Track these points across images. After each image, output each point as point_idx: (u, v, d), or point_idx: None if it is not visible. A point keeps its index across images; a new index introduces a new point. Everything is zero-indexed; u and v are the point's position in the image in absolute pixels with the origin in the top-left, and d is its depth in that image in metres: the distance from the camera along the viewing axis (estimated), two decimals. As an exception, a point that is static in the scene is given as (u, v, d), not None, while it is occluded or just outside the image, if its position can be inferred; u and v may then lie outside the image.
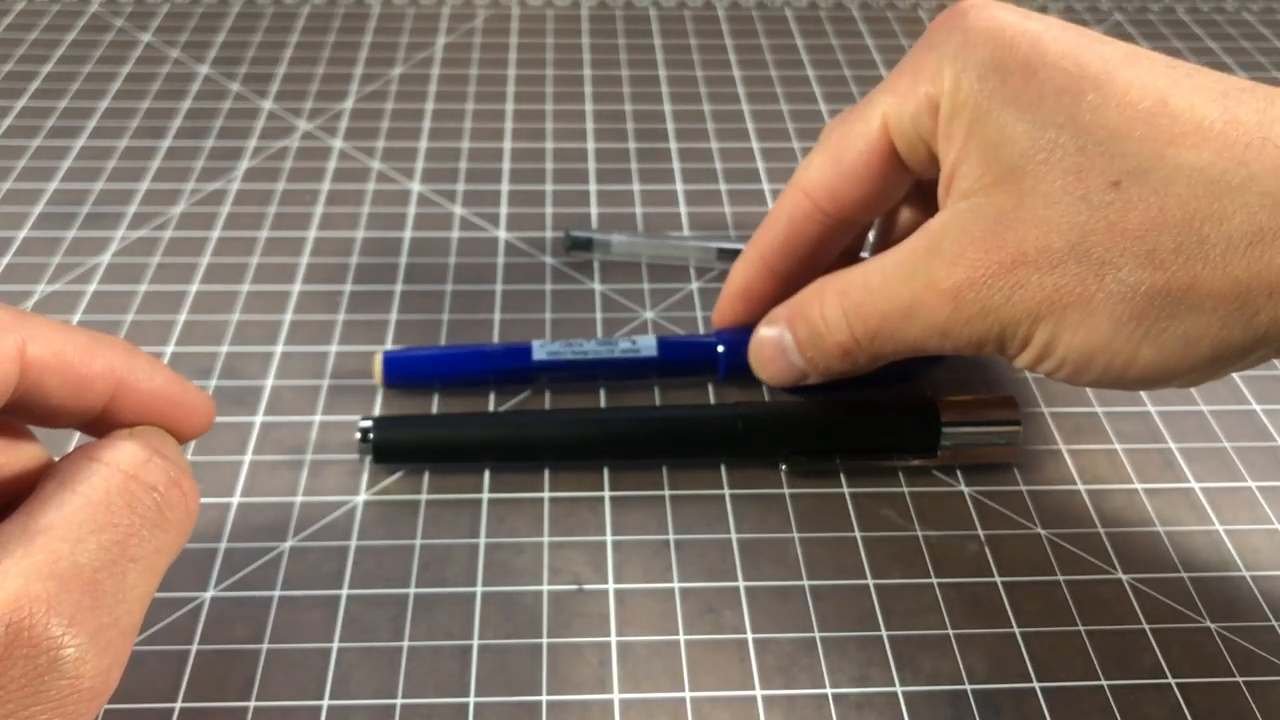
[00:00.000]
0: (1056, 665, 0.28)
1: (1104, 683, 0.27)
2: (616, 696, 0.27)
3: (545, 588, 0.29)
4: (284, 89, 0.51)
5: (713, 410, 0.34)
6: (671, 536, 0.31)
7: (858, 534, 0.31)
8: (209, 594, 0.29)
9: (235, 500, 0.31)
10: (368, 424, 0.32)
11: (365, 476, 0.32)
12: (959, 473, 0.33)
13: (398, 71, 0.52)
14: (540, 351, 0.35)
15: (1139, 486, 0.33)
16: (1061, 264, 0.26)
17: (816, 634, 0.28)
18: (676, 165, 0.46)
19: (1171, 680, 0.27)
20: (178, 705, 0.26)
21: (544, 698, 0.27)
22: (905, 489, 0.32)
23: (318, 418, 0.34)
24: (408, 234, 0.42)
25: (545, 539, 0.31)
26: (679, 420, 0.33)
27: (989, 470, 0.33)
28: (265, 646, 0.28)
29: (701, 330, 0.38)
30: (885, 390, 0.35)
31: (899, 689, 0.27)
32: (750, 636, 0.28)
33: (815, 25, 0.58)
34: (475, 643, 0.28)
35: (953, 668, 0.28)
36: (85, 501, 0.21)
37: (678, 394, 0.35)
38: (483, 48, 0.55)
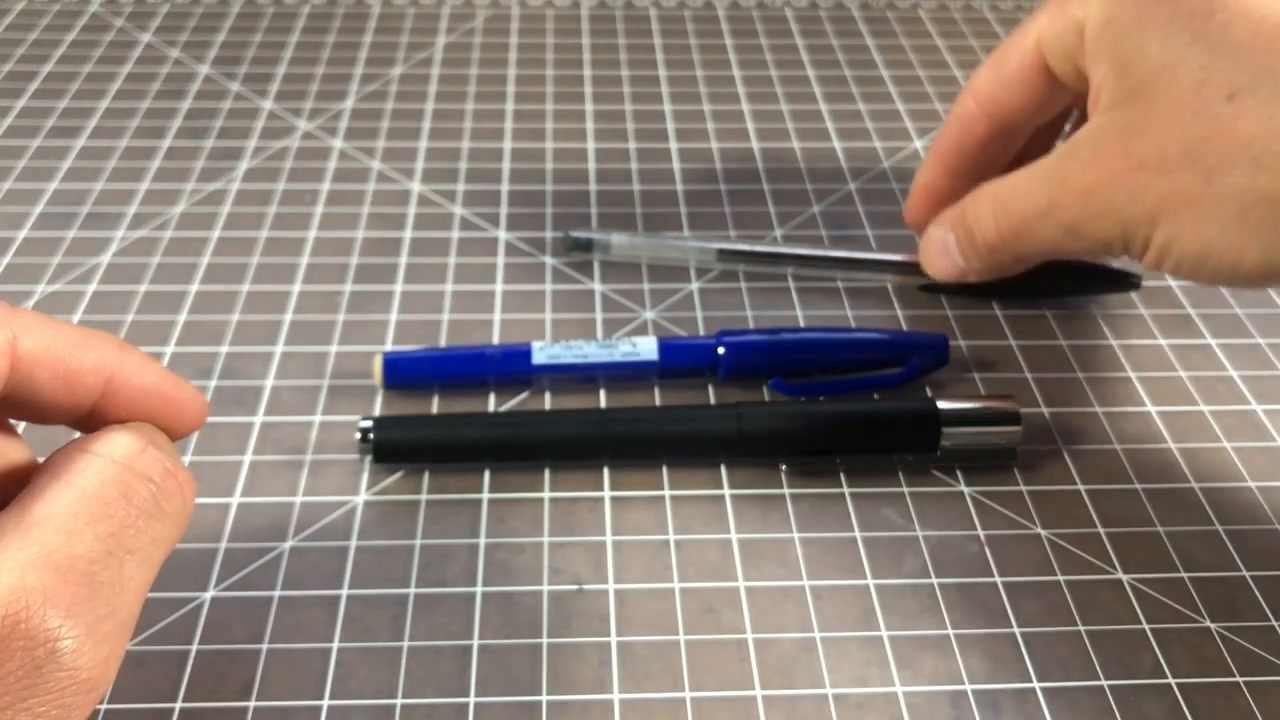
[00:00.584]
0: (1056, 665, 0.28)
1: (1104, 683, 0.27)
2: (616, 696, 0.27)
3: (545, 588, 0.29)
4: (284, 89, 0.51)
5: (713, 410, 0.34)
6: (671, 536, 0.31)
7: (858, 534, 0.31)
8: (209, 594, 0.29)
9: (235, 500, 0.31)
10: (368, 424, 0.32)
11: (365, 476, 0.32)
12: (959, 473, 0.33)
13: (398, 71, 0.52)
14: (540, 354, 0.35)
15: (1139, 486, 0.33)
16: (1176, 170, 0.28)
17: (816, 634, 0.28)
18: (676, 165, 0.46)
19: (1171, 680, 0.27)
20: (178, 705, 0.26)
21: (544, 698, 0.27)
22: (905, 489, 0.32)
23: (318, 418, 0.34)
24: (408, 234, 0.42)
25: (545, 539, 0.31)
26: (679, 420, 0.33)
27: (989, 470, 0.33)
28: (265, 646, 0.28)
29: (702, 330, 0.38)
30: (885, 388, 0.35)
31: (899, 689, 0.27)
32: (750, 636, 0.28)
33: (815, 25, 0.58)
34: (475, 643, 0.28)
35: (953, 668, 0.28)
36: (80, 493, 0.21)
37: (678, 394, 0.35)
38: (483, 48, 0.55)
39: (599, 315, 0.38)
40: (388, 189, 0.44)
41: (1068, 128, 0.38)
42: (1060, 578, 0.30)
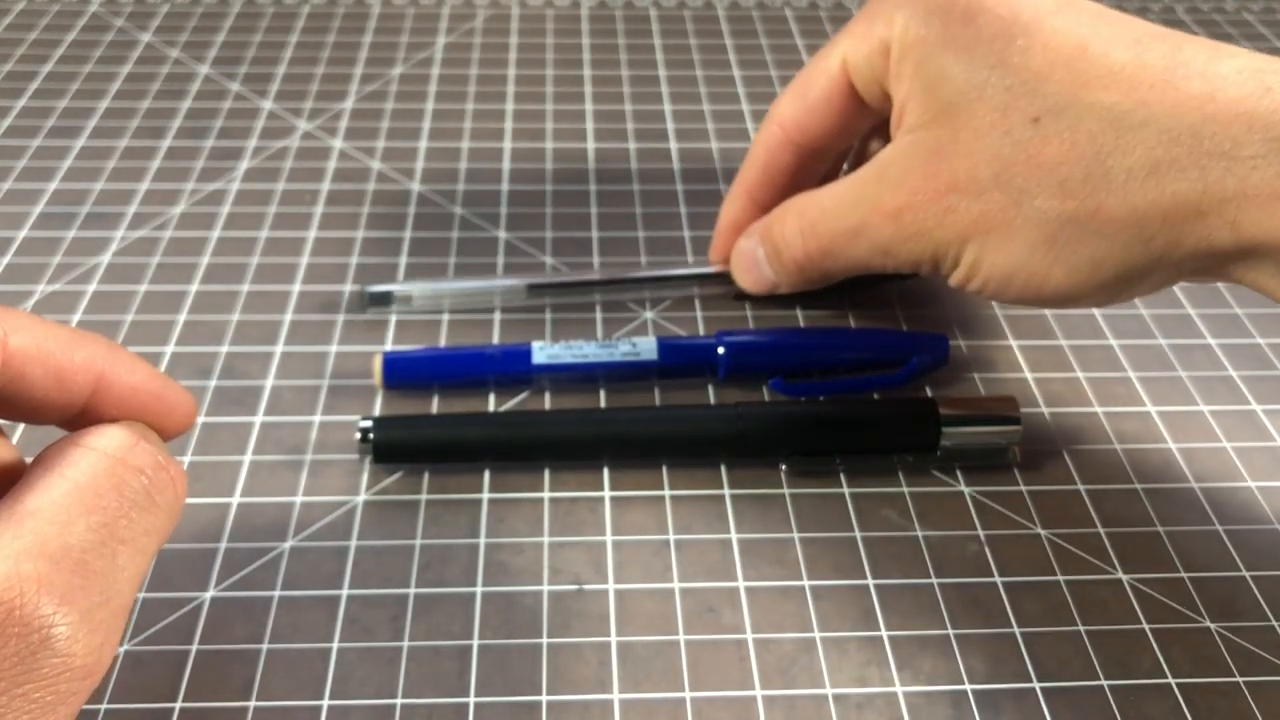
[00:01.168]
0: (1056, 665, 0.28)
1: (1104, 683, 0.27)
2: (616, 696, 0.27)
3: (545, 588, 0.29)
4: (284, 89, 0.51)
5: (713, 410, 0.34)
6: (671, 536, 0.31)
7: (858, 534, 0.31)
8: (209, 594, 0.29)
9: (235, 500, 0.31)
10: (368, 424, 0.32)
11: (365, 476, 0.32)
12: (959, 473, 0.33)
13: (398, 71, 0.52)
14: (540, 354, 0.35)
15: (1139, 486, 0.33)
16: (986, 191, 0.29)
17: (816, 634, 0.28)
18: (676, 165, 0.46)
19: (1171, 680, 0.27)
20: (178, 705, 0.26)
21: (544, 698, 0.27)
22: (905, 489, 0.32)
23: (318, 418, 0.34)
24: (407, 234, 0.42)
25: (545, 539, 0.31)
26: (679, 420, 0.33)
27: (989, 470, 0.33)
28: (265, 646, 0.28)
29: (702, 330, 0.38)
30: (885, 388, 0.35)
31: (899, 689, 0.27)
32: (750, 636, 0.28)
33: (815, 25, 0.58)
34: (475, 643, 0.28)
35: (953, 668, 0.28)
36: (73, 485, 0.21)
37: (678, 394, 0.35)
38: (483, 48, 0.55)
39: (599, 315, 0.38)
40: (388, 189, 0.44)
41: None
42: (1060, 578, 0.30)
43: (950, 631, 0.28)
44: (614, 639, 0.28)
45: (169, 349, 0.36)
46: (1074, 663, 0.28)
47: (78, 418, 0.23)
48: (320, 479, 0.32)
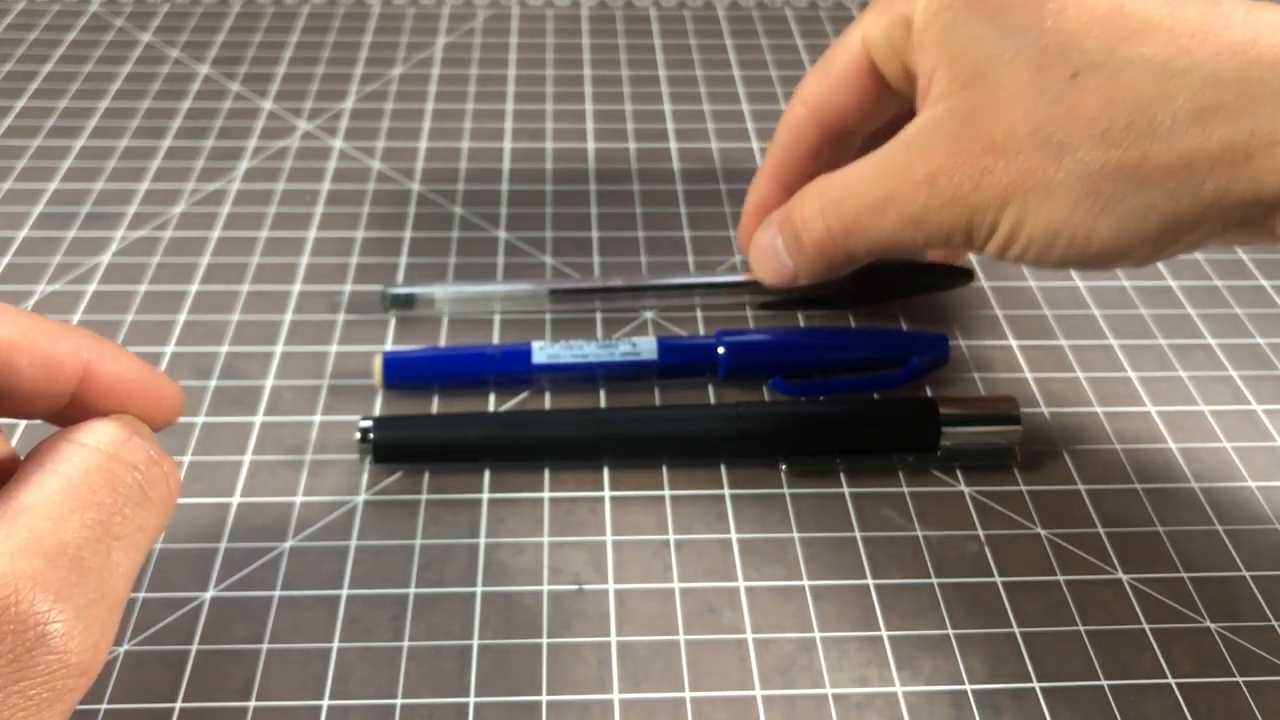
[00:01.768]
0: (1056, 665, 0.28)
1: (1104, 683, 0.27)
2: (616, 696, 0.27)
3: (545, 588, 0.29)
4: (284, 89, 0.51)
5: (713, 410, 0.34)
6: (671, 536, 0.31)
7: (858, 534, 0.31)
8: (209, 594, 0.29)
9: (235, 500, 0.31)
10: (368, 424, 0.32)
11: (365, 476, 0.32)
12: (959, 473, 0.33)
13: (398, 71, 0.52)
14: (540, 354, 0.35)
15: (1139, 486, 0.33)
16: (1025, 149, 0.28)
17: (816, 634, 0.28)
18: (676, 165, 0.46)
19: (1171, 680, 0.27)
20: (178, 705, 0.26)
21: (544, 698, 0.27)
22: (905, 489, 0.32)
23: (318, 418, 0.34)
24: (407, 234, 0.42)
25: (545, 539, 0.31)
26: (679, 420, 0.33)
27: (989, 470, 0.33)
28: (265, 646, 0.28)
29: (702, 330, 0.38)
30: (885, 388, 0.35)
31: (899, 689, 0.27)
32: (750, 636, 0.28)
33: (815, 25, 0.58)
34: (475, 643, 0.28)
35: (953, 668, 0.28)
36: (66, 481, 0.21)
37: (678, 394, 0.35)
38: (483, 48, 0.55)
39: (599, 315, 0.38)
40: (388, 189, 0.44)
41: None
42: (1060, 578, 0.30)
43: (950, 631, 0.28)
44: (614, 639, 0.28)
45: (169, 349, 0.36)
46: (1074, 663, 0.28)
47: (66, 410, 0.23)
48: (320, 479, 0.32)
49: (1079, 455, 0.34)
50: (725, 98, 0.51)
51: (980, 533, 0.31)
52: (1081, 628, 0.29)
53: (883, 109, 0.34)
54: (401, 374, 0.35)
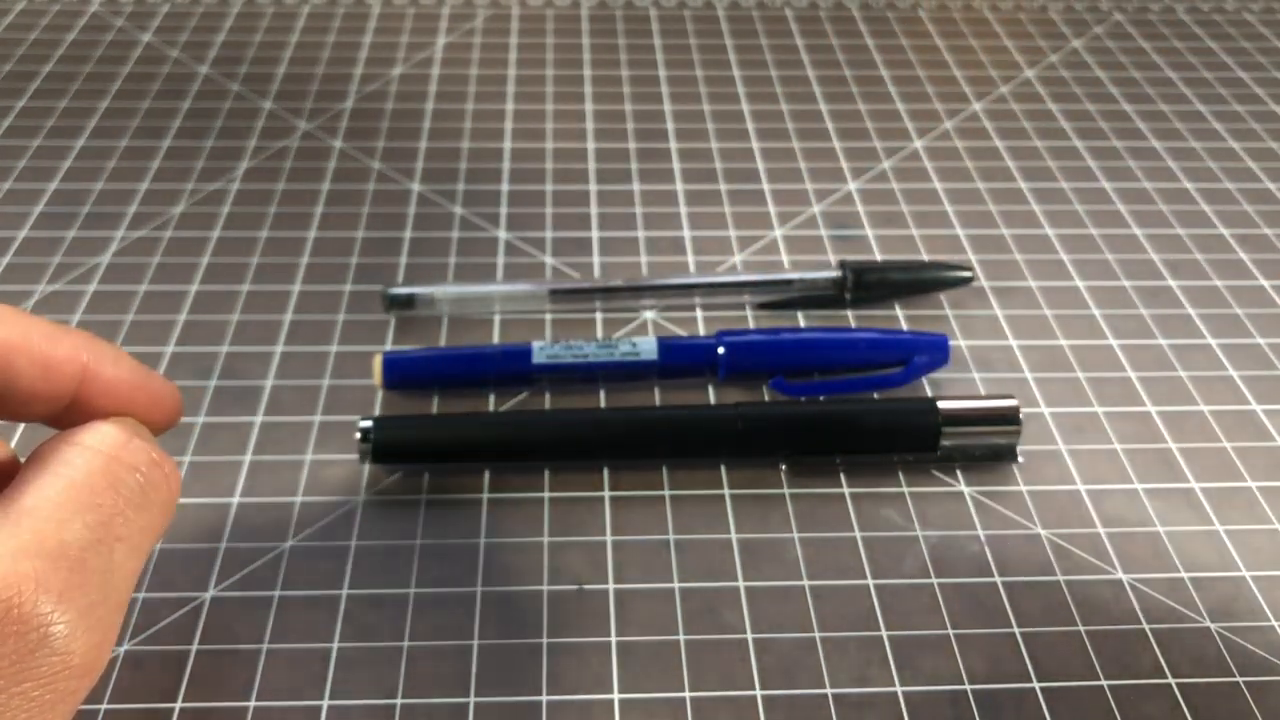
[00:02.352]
0: (1056, 665, 0.28)
1: (1104, 683, 0.27)
2: (616, 696, 0.27)
3: (545, 588, 0.29)
4: (284, 89, 0.51)
5: (713, 410, 0.34)
6: (671, 536, 0.31)
7: (858, 534, 0.31)
8: (209, 594, 0.29)
9: (235, 500, 0.31)
10: (368, 424, 0.32)
11: (365, 476, 0.32)
12: (959, 473, 0.33)
13: (398, 71, 0.52)
14: (540, 354, 0.35)
15: (1139, 486, 0.33)
16: None
17: (816, 634, 0.28)
18: (676, 165, 0.46)
19: (1171, 680, 0.27)
20: (178, 705, 0.26)
21: (544, 698, 0.27)
22: (905, 489, 0.32)
23: (318, 418, 0.34)
24: (408, 234, 0.42)
25: (545, 539, 0.31)
26: (679, 420, 0.33)
27: (989, 470, 0.33)
28: (265, 646, 0.28)
29: (702, 330, 0.38)
30: (885, 389, 0.35)
31: (899, 689, 0.27)
32: (750, 636, 0.28)
33: (815, 25, 0.58)
34: (475, 643, 0.28)
35: (953, 668, 0.28)
36: (68, 483, 0.21)
37: (678, 394, 0.35)
38: (483, 48, 0.55)
39: (599, 315, 0.38)
40: (388, 189, 0.44)
41: None
42: (1060, 578, 0.30)
43: (950, 631, 0.28)
44: (614, 639, 0.28)
45: (169, 349, 0.36)
46: (1074, 663, 0.28)
47: (65, 413, 0.23)
48: (320, 479, 0.32)
49: (1079, 455, 0.34)
50: (725, 98, 0.51)
51: (980, 533, 0.31)
52: (1081, 628, 0.29)
53: None
54: (401, 374, 0.35)
